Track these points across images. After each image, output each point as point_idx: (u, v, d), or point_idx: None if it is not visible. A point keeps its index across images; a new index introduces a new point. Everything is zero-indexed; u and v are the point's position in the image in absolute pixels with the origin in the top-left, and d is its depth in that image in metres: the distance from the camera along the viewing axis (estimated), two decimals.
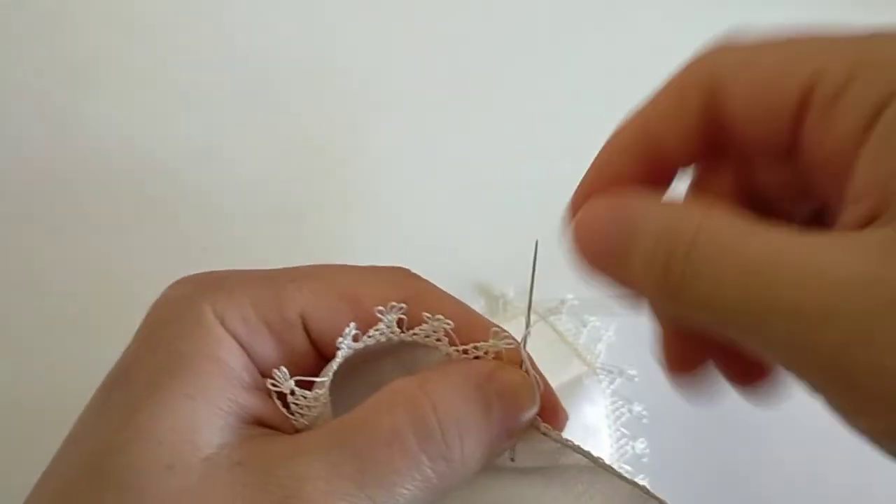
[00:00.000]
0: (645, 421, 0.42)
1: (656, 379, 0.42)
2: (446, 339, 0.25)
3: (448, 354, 0.25)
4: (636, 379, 0.42)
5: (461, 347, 0.25)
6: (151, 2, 0.56)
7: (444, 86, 0.55)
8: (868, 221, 0.17)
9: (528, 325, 0.25)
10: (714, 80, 0.21)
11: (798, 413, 0.39)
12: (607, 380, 0.42)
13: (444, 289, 0.26)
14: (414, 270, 0.27)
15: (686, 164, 0.23)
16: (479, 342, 0.25)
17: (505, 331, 0.25)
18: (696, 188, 0.24)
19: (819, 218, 0.23)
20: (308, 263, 0.26)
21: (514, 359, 0.25)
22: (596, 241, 0.21)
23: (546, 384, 0.25)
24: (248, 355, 0.24)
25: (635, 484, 0.25)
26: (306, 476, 0.20)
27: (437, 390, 0.22)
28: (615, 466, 0.26)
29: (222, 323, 0.23)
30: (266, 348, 0.24)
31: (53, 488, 0.21)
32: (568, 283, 0.37)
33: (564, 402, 0.39)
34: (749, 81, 0.20)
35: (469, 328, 0.25)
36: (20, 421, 0.42)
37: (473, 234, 0.49)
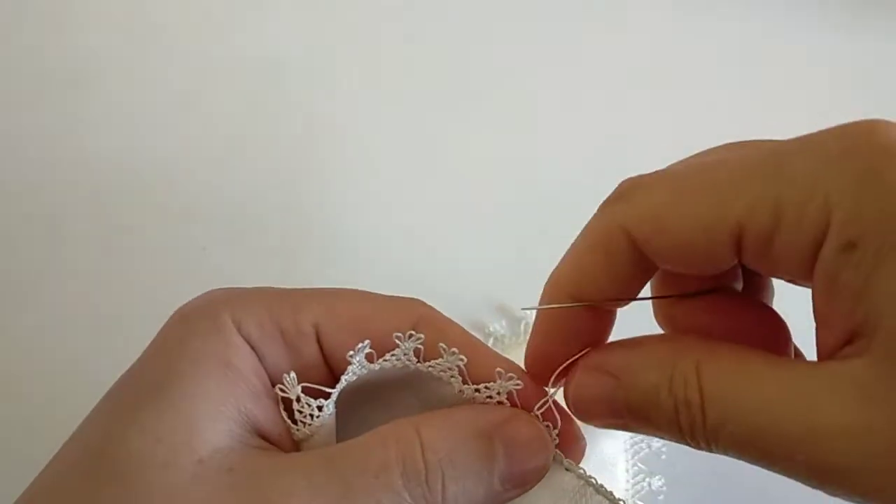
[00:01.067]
0: (664, 457, 0.41)
1: None
2: (459, 377, 0.25)
3: (461, 391, 0.25)
4: None
5: (473, 387, 0.25)
6: (152, 3, 0.56)
7: (451, 95, 0.55)
8: (842, 343, 0.19)
9: (555, 373, 0.25)
10: (635, 234, 0.22)
11: None
12: None
13: (468, 308, 0.26)
14: (437, 290, 0.28)
15: (626, 299, 0.24)
16: (487, 381, 0.25)
17: (517, 368, 0.25)
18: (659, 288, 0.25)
19: None
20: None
21: (526, 397, 0.25)
22: (604, 410, 0.23)
23: (565, 415, 0.25)
24: (261, 361, 0.24)
25: None
26: (291, 493, 0.21)
27: (432, 433, 0.23)
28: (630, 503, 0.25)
29: (238, 328, 0.24)
30: (278, 356, 0.25)
31: (54, 476, 0.22)
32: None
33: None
34: (674, 236, 0.21)
35: (479, 364, 0.25)
36: (20, 421, 0.42)
37: (495, 255, 0.49)
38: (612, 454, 0.40)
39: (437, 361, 0.25)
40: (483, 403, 0.25)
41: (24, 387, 0.42)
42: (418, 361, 0.25)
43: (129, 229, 0.48)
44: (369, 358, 0.24)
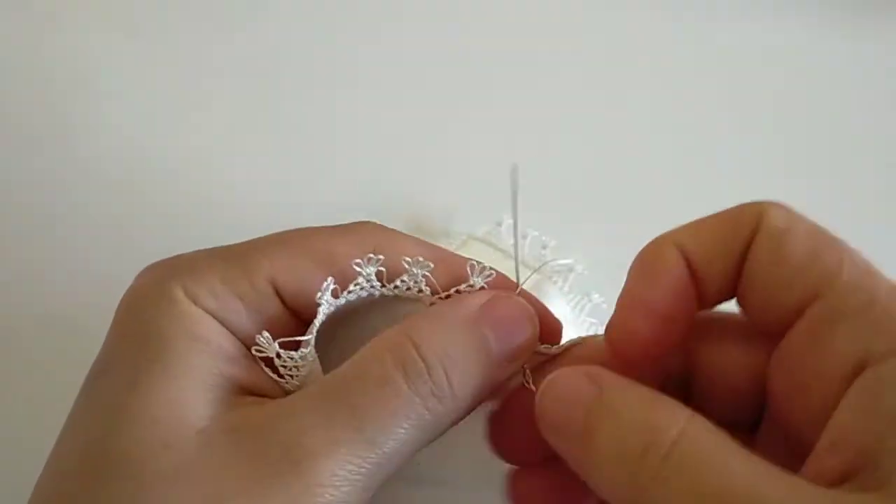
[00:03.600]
0: (605, 307, 0.43)
1: (605, 268, 0.42)
2: (428, 288, 0.25)
3: (432, 305, 0.25)
4: (586, 272, 0.45)
5: (444, 294, 0.25)
6: (152, 3, 0.56)
7: (450, 95, 0.55)
8: (841, 477, 0.18)
9: (516, 255, 0.26)
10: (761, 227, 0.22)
11: None
12: (561, 279, 0.44)
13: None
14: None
15: (713, 302, 0.24)
16: (459, 283, 0.25)
17: (481, 263, 0.25)
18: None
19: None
20: None
21: (497, 285, 0.26)
22: (563, 413, 0.21)
23: (540, 304, 0.26)
24: (227, 328, 0.24)
25: None
26: (303, 429, 0.21)
27: (420, 332, 0.23)
28: None
29: (195, 302, 0.23)
30: (242, 319, 0.24)
31: (53, 484, 0.21)
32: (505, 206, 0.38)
33: None
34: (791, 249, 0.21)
35: (448, 268, 0.26)
36: (20, 421, 0.41)
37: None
38: (559, 316, 0.41)
39: (401, 279, 0.25)
40: (455, 297, 0.25)
41: (24, 387, 0.42)
42: (383, 285, 0.25)
43: (130, 229, 0.48)
44: (335, 294, 0.24)
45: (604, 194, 0.49)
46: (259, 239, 0.26)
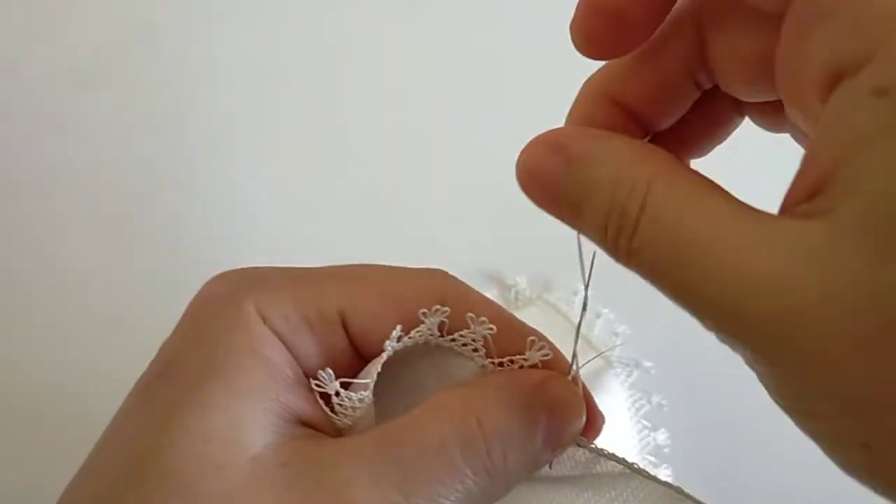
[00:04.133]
0: (665, 410, 0.41)
1: (673, 369, 0.42)
2: (483, 349, 0.25)
3: (483, 367, 0.25)
4: (652, 371, 0.42)
5: (497, 360, 0.25)
6: (152, 3, 0.56)
7: (450, 95, 0.54)
8: (809, 195, 0.17)
9: (576, 339, 0.25)
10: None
11: None
12: (625, 373, 0.42)
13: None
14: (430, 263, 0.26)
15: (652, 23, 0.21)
16: (515, 353, 0.24)
17: (543, 338, 0.25)
18: (646, 59, 0.22)
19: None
20: (314, 263, 0.26)
21: (551, 367, 0.25)
22: (545, 189, 0.21)
23: (588, 394, 0.25)
24: (291, 352, 0.24)
25: (669, 485, 0.24)
26: (352, 481, 0.20)
27: (482, 404, 0.22)
28: (642, 464, 0.26)
29: (264, 321, 0.23)
30: (307, 346, 0.24)
31: (95, 486, 0.21)
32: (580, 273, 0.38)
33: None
34: None
35: (508, 335, 0.25)
36: (21, 421, 0.41)
37: (483, 223, 0.49)
38: (615, 414, 0.40)
39: (460, 334, 0.24)
40: (513, 370, 0.25)
41: (24, 387, 0.42)
42: (441, 336, 0.25)
43: (130, 229, 0.48)
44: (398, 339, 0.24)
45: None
46: (331, 268, 0.25)
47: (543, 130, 0.21)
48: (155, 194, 0.49)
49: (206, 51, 0.55)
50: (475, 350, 0.25)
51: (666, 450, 0.41)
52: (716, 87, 0.22)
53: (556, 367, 0.25)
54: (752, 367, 0.17)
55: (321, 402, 0.24)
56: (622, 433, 0.40)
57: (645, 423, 0.41)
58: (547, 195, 0.21)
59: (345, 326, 0.24)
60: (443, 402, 0.23)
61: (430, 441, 0.21)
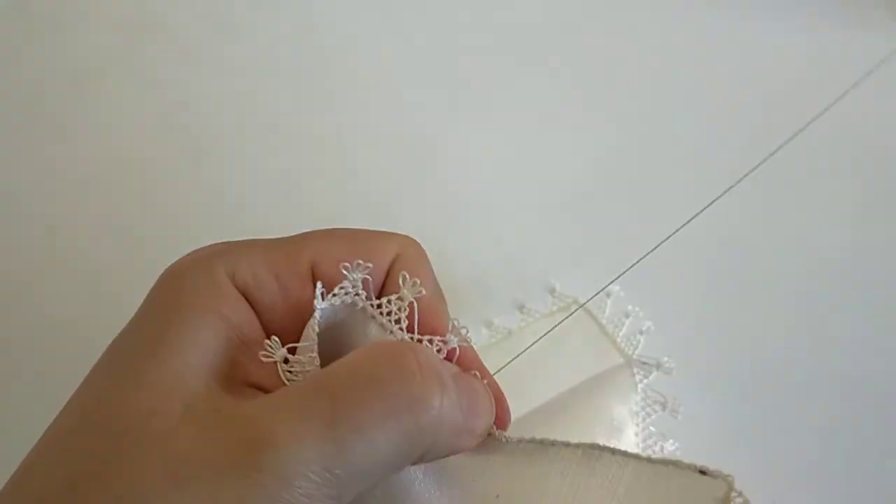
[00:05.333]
0: (679, 418, 0.40)
1: (694, 372, 0.41)
2: (406, 321, 0.25)
3: (402, 340, 0.25)
4: (674, 371, 0.41)
5: (417, 336, 0.25)
6: (151, 3, 0.56)
7: (449, 95, 0.54)
8: None
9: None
10: None
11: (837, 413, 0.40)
12: (641, 373, 0.41)
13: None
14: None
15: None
16: (435, 334, 0.25)
17: (463, 327, 0.25)
18: None
19: None
20: None
21: (467, 360, 0.25)
22: None
23: (495, 385, 0.26)
24: (256, 310, 0.24)
25: (584, 445, 0.24)
26: (276, 418, 0.20)
27: (418, 349, 0.22)
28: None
29: (232, 278, 0.24)
30: (273, 299, 0.24)
31: (48, 436, 0.22)
32: (614, 275, 0.37)
33: (593, 397, 0.38)
34: None
35: (431, 315, 0.25)
36: (20, 421, 0.40)
37: (516, 227, 0.48)
38: (621, 419, 0.39)
39: (388, 298, 0.25)
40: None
41: (24, 387, 0.42)
42: (368, 298, 0.25)
43: (130, 229, 0.48)
44: (323, 296, 0.24)
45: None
46: (309, 231, 0.27)
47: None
48: (155, 194, 0.49)
49: (207, 51, 0.54)
50: (397, 321, 0.25)
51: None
52: None
53: (471, 366, 0.25)
54: None
55: (280, 370, 0.24)
56: (625, 438, 0.39)
57: (653, 429, 0.40)
58: None
59: (318, 278, 0.25)
60: (376, 345, 0.23)
61: (363, 374, 0.21)
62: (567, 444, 0.24)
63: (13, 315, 0.45)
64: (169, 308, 0.23)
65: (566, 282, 0.45)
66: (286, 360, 0.23)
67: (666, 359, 0.42)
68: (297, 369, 0.23)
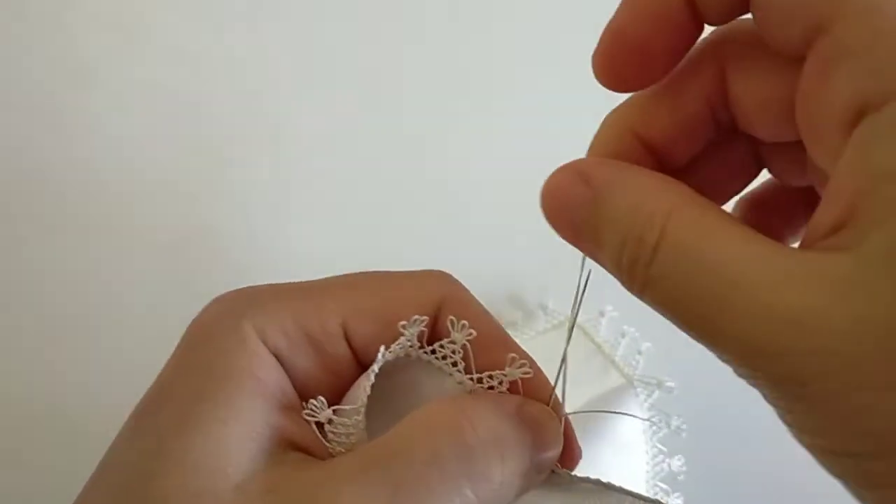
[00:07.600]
0: (684, 435, 0.40)
1: (695, 390, 0.41)
2: (462, 363, 0.24)
3: (461, 384, 0.24)
4: (675, 391, 0.41)
5: (476, 376, 0.24)
6: (151, 3, 0.56)
7: (449, 95, 0.54)
8: (834, 229, 0.16)
9: (561, 368, 0.24)
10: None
11: None
12: (645, 392, 0.41)
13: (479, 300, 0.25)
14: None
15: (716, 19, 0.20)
16: (497, 366, 0.24)
17: (526, 356, 0.24)
18: (673, 91, 0.22)
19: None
20: (312, 267, 0.25)
21: (533, 388, 0.24)
22: (567, 217, 0.20)
23: (568, 426, 0.25)
24: (288, 371, 0.23)
25: (646, 498, 0.24)
26: (338, 501, 0.20)
27: (474, 412, 0.22)
28: (653, 492, 0.25)
29: (263, 339, 0.23)
30: (306, 361, 0.23)
31: None
32: (607, 293, 0.36)
33: (599, 417, 0.37)
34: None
35: (490, 345, 0.24)
36: (21, 421, 0.42)
37: (508, 244, 0.48)
38: (629, 437, 0.39)
39: (441, 343, 0.24)
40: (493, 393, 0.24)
41: (24, 387, 0.42)
42: (421, 347, 0.24)
43: (130, 228, 0.48)
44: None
45: None
46: (330, 279, 0.25)
47: (569, 159, 0.21)
48: (156, 194, 0.49)
49: (207, 51, 0.55)
50: (454, 364, 0.24)
51: (680, 477, 0.40)
52: (736, 130, 0.22)
53: (539, 391, 0.24)
54: (773, 403, 0.17)
55: (315, 429, 0.23)
56: (634, 458, 0.39)
57: (660, 447, 0.40)
58: (569, 223, 0.20)
59: (347, 337, 0.24)
60: (434, 411, 0.22)
61: (422, 451, 0.20)
62: (630, 493, 0.24)
63: (13, 315, 0.45)
64: (202, 373, 0.22)
65: (559, 298, 0.45)
66: (330, 422, 0.23)
67: (667, 378, 0.42)
68: (342, 430, 0.23)
